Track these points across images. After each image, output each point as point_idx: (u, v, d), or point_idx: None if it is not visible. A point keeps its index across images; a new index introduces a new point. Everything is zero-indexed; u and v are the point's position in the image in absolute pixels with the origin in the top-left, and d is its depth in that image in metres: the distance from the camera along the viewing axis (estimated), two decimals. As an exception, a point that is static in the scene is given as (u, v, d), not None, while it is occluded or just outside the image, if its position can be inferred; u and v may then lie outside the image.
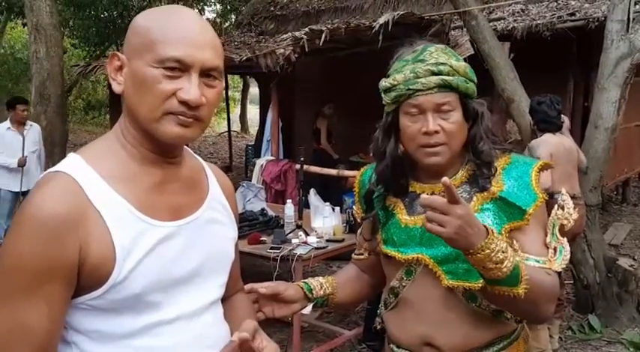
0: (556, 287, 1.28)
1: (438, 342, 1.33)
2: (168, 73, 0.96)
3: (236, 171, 11.23)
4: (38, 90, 6.38)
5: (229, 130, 12.39)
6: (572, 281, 4.39)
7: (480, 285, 1.23)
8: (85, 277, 0.95)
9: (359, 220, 1.55)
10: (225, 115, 12.30)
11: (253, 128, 15.89)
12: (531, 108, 3.83)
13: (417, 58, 1.29)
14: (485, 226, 1.13)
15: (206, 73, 1.00)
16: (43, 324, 0.92)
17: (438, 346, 1.34)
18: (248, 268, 5.27)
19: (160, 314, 1.02)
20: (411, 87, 1.27)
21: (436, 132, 1.27)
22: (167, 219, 1.03)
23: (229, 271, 1.19)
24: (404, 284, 1.38)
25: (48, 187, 0.95)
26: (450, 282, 1.29)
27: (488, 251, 1.10)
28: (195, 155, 1.21)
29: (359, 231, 1.60)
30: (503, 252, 1.12)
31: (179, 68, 0.97)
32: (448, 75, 1.26)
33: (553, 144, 3.61)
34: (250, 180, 5.77)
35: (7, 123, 5.78)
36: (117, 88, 1.02)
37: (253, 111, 17.52)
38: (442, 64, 1.27)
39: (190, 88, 0.97)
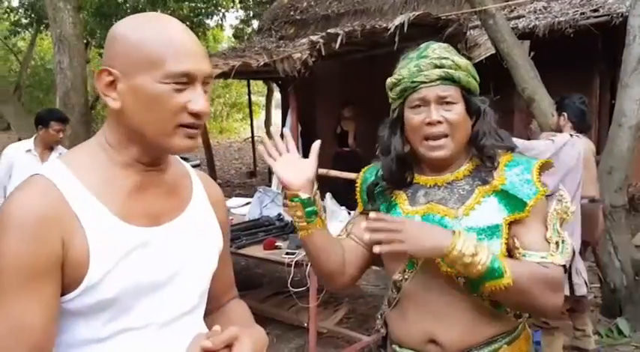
0: (557, 279, 1.30)
1: (441, 338, 1.34)
2: (178, 86, 0.98)
3: (260, 177, 11.28)
4: (62, 100, 6.50)
5: (252, 136, 12.46)
6: (599, 285, 4.27)
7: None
8: (65, 275, 0.95)
9: (357, 214, 1.54)
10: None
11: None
12: (564, 105, 3.51)
13: (421, 54, 1.37)
14: (454, 232, 1.24)
15: (203, 81, 1.02)
16: (37, 322, 0.93)
17: (441, 342, 1.34)
18: (268, 274, 5.27)
19: (130, 321, 1.01)
20: (415, 80, 1.34)
21: (439, 122, 1.32)
22: (144, 224, 1.03)
23: (211, 280, 1.16)
24: (406, 276, 1.39)
25: (26, 189, 0.97)
26: (449, 269, 1.30)
27: (451, 257, 1.22)
28: (183, 161, 1.20)
29: (347, 221, 1.60)
30: (472, 256, 1.21)
31: (186, 81, 0.99)
32: (450, 68, 1.33)
33: (582, 143, 3.42)
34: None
35: (30, 144, 4.21)
36: (113, 104, 1.01)
37: (278, 116, 17.60)
38: (445, 58, 1.35)
39: (199, 99, 1.00)
